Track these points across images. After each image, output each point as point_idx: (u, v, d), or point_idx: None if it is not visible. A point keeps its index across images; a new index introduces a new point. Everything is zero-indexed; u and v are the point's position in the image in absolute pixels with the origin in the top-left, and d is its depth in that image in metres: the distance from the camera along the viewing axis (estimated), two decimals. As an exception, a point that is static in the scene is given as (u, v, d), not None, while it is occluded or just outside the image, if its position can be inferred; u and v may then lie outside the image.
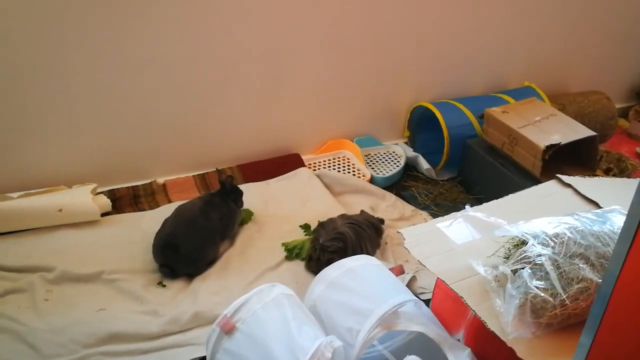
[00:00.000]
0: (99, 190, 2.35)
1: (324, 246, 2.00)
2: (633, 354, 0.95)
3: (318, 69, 2.58)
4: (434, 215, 2.45)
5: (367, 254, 2.07)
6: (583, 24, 3.11)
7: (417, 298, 1.54)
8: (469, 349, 1.44)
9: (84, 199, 2.21)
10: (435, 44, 2.77)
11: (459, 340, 1.56)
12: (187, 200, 2.20)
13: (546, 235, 1.36)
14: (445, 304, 1.65)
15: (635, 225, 0.85)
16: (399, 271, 1.96)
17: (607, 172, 2.71)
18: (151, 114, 2.36)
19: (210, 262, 2.07)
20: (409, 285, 1.98)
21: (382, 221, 2.23)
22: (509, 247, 1.42)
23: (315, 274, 2.00)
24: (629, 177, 2.77)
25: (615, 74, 3.43)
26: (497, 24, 2.86)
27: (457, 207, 2.54)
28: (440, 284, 1.65)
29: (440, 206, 2.53)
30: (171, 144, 2.47)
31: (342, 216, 2.18)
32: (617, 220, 1.44)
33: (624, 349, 0.95)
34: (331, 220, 2.14)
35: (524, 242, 1.38)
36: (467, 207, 1.56)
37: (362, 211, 2.29)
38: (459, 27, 2.77)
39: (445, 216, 1.63)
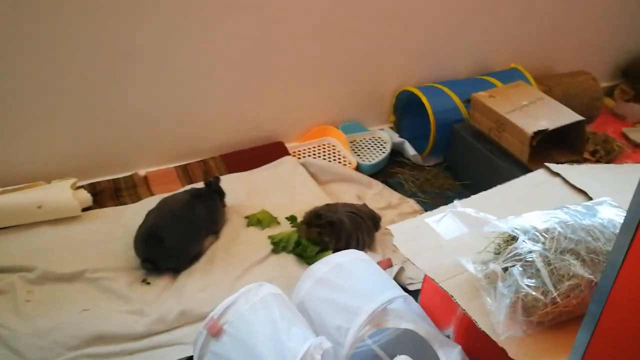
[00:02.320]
0: (79, 184, 2.29)
1: (318, 214, 2.03)
2: (633, 348, 0.93)
3: (300, 55, 2.53)
4: (421, 203, 2.44)
5: (363, 244, 2.08)
6: (567, 2, 3.07)
7: (406, 294, 1.52)
8: (460, 347, 1.42)
9: (63, 194, 2.16)
10: (420, 26, 2.72)
11: (448, 336, 1.55)
12: (172, 193, 2.16)
13: (536, 231, 1.34)
14: (435, 299, 1.64)
15: (638, 216, 0.81)
16: (387, 264, 1.95)
17: (594, 154, 2.71)
18: (130, 104, 2.30)
19: (194, 258, 2.03)
20: (397, 276, 1.97)
21: (380, 218, 2.23)
22: (498, 243, 1.40)
23: (306, 237, 2.04)
24: (615, 158, 2.77)
25: (601, 52, 3.41)
26: (481, 4, 2.82)
27: (444, 193, 2.53)
28: (429, 279, 1.63)
29: (427, 193, 2.52)
30: (151, 135, 2.41)
31: (345, 204, 2.19)
32: (607, 213, 1.42)
33: (624, 344, 0.93)
34: (334, 204, 2.17)
35: (514, 238, 1.36)
36: (455, 202, 1.54)
37: (364, 204, 2.28)
38: (443, 9, 2.72)
39: (434, 210, 1.61)
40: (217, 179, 2.18)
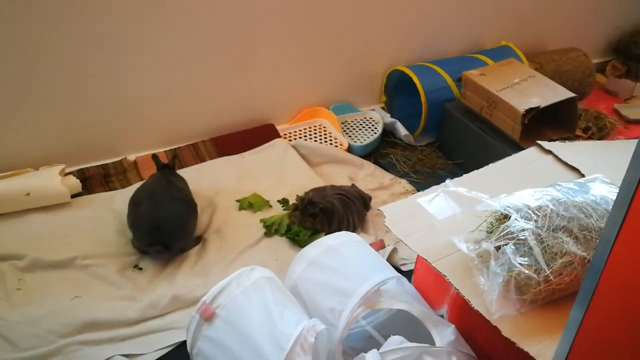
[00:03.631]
0: (67, 170, 2.27)
1: (312, 201, 2.00)
2: (626, 324, 0.93)
3: (290, 35, 2.49)
4: (413, 183, 2.43)
5: (354, 226, 2.07)
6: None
7: (399, 274, 1.52)
8: (453, 326, 1.42)
9: (52, 180, 2.13)
10: (410, 4, 2.68)
11: (442, 315, 1.55)
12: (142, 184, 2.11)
13: (529, 209, 1.33)
14: (428, 279, 1.63)
15: (632, 190, 0.80)
16: (379, 246, 1.94)
17: (586, 131, 2.70)
18: (118, 88, 2.27)
19: (197, 239, 2.05)
20: (390, 256, 1.97)
21: (370, 198, 2.22)
22: (491, 221, 1.39)
23: (298, 224, 2.03)
24: (607, 134, 2.76)
25: (592, 29, 3.39)
26: (472, -19, 2.79)
27: (436, 173, 2.52)
28: (422, 259, 1.63)
29: (420, 173, 2.50)
30: (140, 119, 2.38)
31: (333, 187, 2.17)
32: (600, 190, 1.42)
33: (617, 320, 0.92)
34: (323, 188, 2.14)
35: (506, 216, 1.35)
36: (447, 181, 1.52)
37: (353, 184, 2.27)
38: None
39: (426, 190, 1.60)
40: (174, 158, 2.17)
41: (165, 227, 1.90)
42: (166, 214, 1.92)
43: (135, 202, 1.98)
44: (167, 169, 2.11)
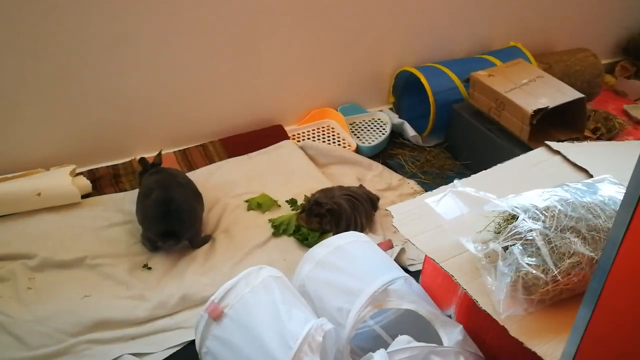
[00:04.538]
0: (78, 171, 2.28)
1: (319, 202, 2.01)
2: (634, 324, 0.93)
3: (298, 36, 2.50)
4: (422, 184, 2.43)
5: (362, 227, 2.07)
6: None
7: (406, 274, 1.52)
8: (461, 326, 1.42)
9: (62, 181, 2.15)
10: (418, 5, 2.69)
11: (449, 316, 1.55)
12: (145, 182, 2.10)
13: (537, 209, 1.33)
14: (436, 279, 1.63)
15: (638, 192, 0.80)
16: (387, 246, 1.94)
17: (595, 132, 2.69)
18: (128, 89, 2.28)
19: (205, 237, 2.06)
20: (398, 257, 1.97)
21: (378, 198, 2.23)
22: (499, 222, 1.39)
23: (305, 225, 2.04)
24: (616, 135, 2.75)
25: (601, 29, 3.37)
26: (480, -18, 2.79)
27: (444, 174, 2.52)
28: (429, 259, 1.63)
29: (428, 174, 2.50)
30: (150, 120, 2.40)
31: (340, 187, 2.18)
32: (608, 190, 1.41)
33: (625, 320, 0.92)
34: (331, 189, 2.15)
35: (514, 217, 1.35)
36: (455, 181, 1.52)
37: (360, 185, 2.28)
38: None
39: (434, 191, 1.60)
40: (159, 154, 2.20)
41: (176, 210, 1.91)
42: (177, 197, 1.94)
43: (144, 194, 1.99)
44: (155, 167, 2.13)
